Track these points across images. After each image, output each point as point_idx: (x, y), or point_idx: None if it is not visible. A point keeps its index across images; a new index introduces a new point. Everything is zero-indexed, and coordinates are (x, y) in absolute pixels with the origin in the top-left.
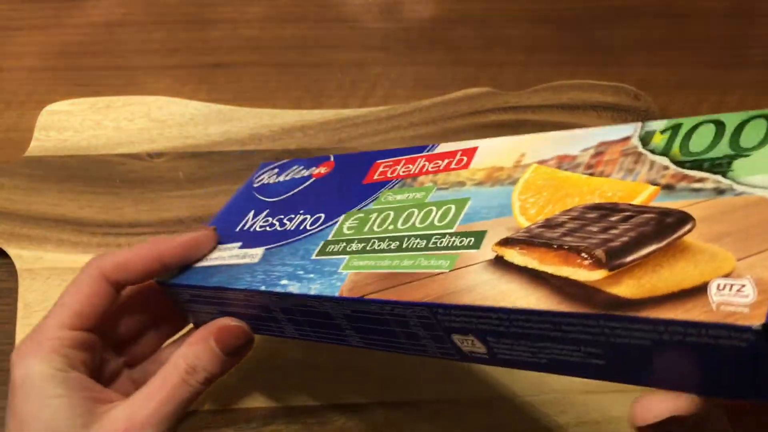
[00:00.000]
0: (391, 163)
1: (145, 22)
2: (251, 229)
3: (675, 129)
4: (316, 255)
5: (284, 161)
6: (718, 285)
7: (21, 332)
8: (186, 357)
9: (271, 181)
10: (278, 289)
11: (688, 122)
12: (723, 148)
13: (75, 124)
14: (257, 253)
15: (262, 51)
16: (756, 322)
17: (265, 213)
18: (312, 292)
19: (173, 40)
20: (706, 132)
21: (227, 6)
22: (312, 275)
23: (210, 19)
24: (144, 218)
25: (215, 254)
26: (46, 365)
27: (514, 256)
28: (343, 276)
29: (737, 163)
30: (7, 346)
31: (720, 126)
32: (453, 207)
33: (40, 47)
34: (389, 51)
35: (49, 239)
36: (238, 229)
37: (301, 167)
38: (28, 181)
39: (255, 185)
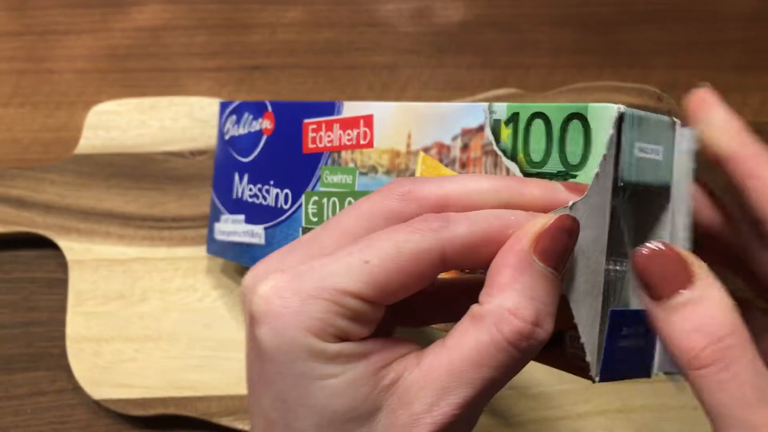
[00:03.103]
0: (315, 126)
1: (187, 26)
2: (244, 199)
3: (515, 122)
4: None
5: (236, 104)
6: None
7: (72, 320)
8: (505, 303)
9: (236, 134)
10: None
11: (523, 113)
12: (555, 163)
13: (122, 124)
14: (260, 233)
15: (298, 54)
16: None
17: (246, 178)
18: None
19: (214, 44)
20: (539, 133)
21: (265, 11)
22: None
23: (249, 23)
24: (187, 213)
25: (229, 226)
26: (309, 338)
27: None
28: None
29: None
30: (59, 333)
31: (548, 125)
32: None
33: (88, 50)
34: (420, 54)
35: (97, 232)
36: (234, 197)
37: (251, 116)
38: (77, 177)
39: (226, 138)
